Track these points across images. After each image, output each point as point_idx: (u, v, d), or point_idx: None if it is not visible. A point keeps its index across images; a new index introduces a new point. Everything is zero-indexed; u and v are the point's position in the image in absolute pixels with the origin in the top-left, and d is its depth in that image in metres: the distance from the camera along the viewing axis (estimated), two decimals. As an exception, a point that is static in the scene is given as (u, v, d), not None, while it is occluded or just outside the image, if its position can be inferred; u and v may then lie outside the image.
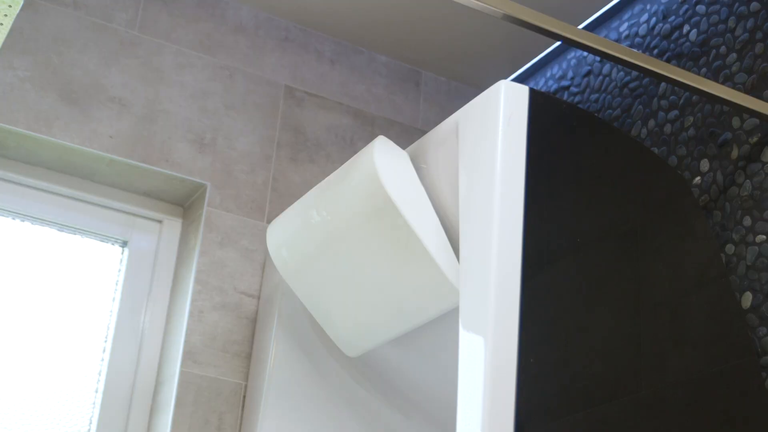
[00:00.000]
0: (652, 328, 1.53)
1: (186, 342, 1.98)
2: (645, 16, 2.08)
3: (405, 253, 1.58)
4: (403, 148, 1.68)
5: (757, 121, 1.72)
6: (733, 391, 1.54)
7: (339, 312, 1.80)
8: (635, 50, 1.68)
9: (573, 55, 2.28)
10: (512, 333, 1.36)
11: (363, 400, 1.97)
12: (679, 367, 1.52)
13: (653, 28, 2.04)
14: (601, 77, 2.16)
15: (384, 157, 1.57)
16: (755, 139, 1.72)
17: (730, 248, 1.69)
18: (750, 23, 1.80)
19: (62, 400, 1.97)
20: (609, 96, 2.11)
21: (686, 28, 1.95)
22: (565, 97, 2.25)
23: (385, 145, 1.60)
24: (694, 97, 1.87)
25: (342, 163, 2.27)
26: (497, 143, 1.45)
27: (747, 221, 1.68)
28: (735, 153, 1.75)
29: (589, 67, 2.21)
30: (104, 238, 2.12)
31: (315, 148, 2.25)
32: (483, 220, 1.42)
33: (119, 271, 2.11)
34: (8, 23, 1.46)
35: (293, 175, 2.20)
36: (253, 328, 2.05)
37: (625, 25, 2.13)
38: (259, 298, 2.07)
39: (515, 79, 2.41)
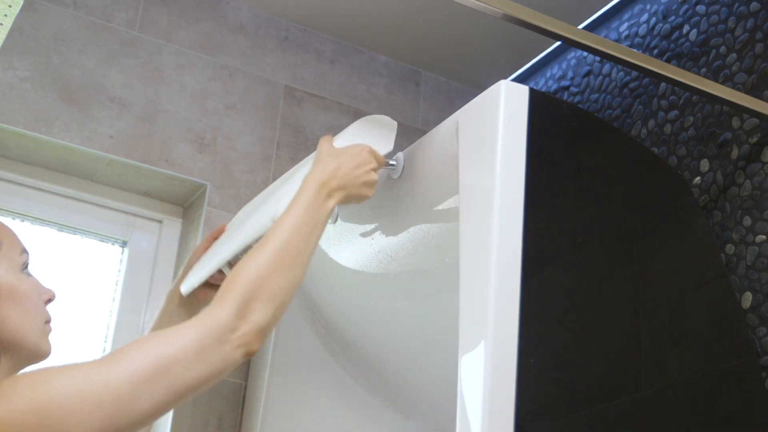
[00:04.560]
0: (652, 328, 1.53)
1: (186, 342, 1.98)
2: (645, 16, 2.08)
3: None
4: (403, 148, 1.68)
5: (757, 121, 1.72)
6: (733, 391, 1.54)
7: None
8: (635, 50, 1.68)
9: (573, 55, 2.28)
10: (512, 333, 1.36)
11: (363, 400, 1.97)
12: (679, 367, 1.52)
13: (653, 28, 2.04)
14: (601, 77, 2.16)
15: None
16: (755, 139, 1.72)
17: (730, 248, 1.69)
18: (750, 23, 1.80)
19: (62, 400, 1.97)
20: (609, 96, 2.11)
21: (686, 28, 1.95)
22: (565, 97, 2.25)
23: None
24: (694, 97, 1.87)
25: (342, 163, 2.26)
26: (497, 143, 1.45)
27: (747, 221, 1.68)
28: (735, 153, 1.75)
29: (589, 67, 2.21)
30: (104, 238, 2.12)
31: (315, 148, 2.25)
32: (483, 220, 1.42)
33: (119, 271, 2.11)
34: (8, 23, 1.46)
35: (293, 175, 2.20)
36: (253, 328, 2.04)
37: (625, 25, 2.13)
38: (259, 298, 2.06)
39: (515, 79, 2.41)
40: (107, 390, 1.06)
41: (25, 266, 1.24)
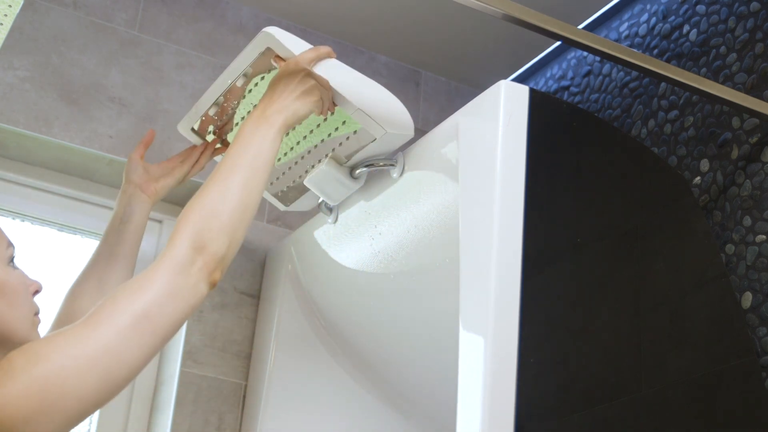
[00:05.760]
0: (652, 328, 1.53)
1: (186, 342, 1.98)
2: (645, 16, 2.08)
3: None
4: (403, 148, 1.68)
5: (757, 121, 1.72)
6: (733, 391, 1.54)
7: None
8: (635, 50, 1.68)
9: (573, 55, 2.28)
10: (512, 333, 1.36)
11: (363, 400, 1.97)
12: (679, 367, 1.52)
13: (653, 28, 2.04)
14: (601, 77, 2.16)
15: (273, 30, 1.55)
16: (755, 139, 1.72)
17: (730, 248, 1.69)
18: (750, 23, 1.80)
19: (62, 400, 1.97)
20: (609, 96, 2.11)
21: (686, 28, 1.95)
22: (565, 97, 2.25)
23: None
24: (694, 97, 1.87)
25: (342, 163, 2.26)
26: (497, 143, 1.45)
27: (747, 221, 1.68)
28: (735, 153, 1.75)
29: (589, 67, 2.21)
30: (104, 238, 2.12)
31: (315, 148, 2.25)
32: (483, 220, 1.42)
33: (119, 271, 2.11)
34: (8, 23, 1.46)
35: (293, 175, 2.20)
36: (253, 328, 2.05)
37: (625, 25, 2.13)
38: (259, 298, 2.07)
39: (515, 79, 2.41)
40: (97, 347, 1.10)
41: (11, 259, 1.25)
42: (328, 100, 1.47)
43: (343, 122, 1.61)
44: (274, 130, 1.35)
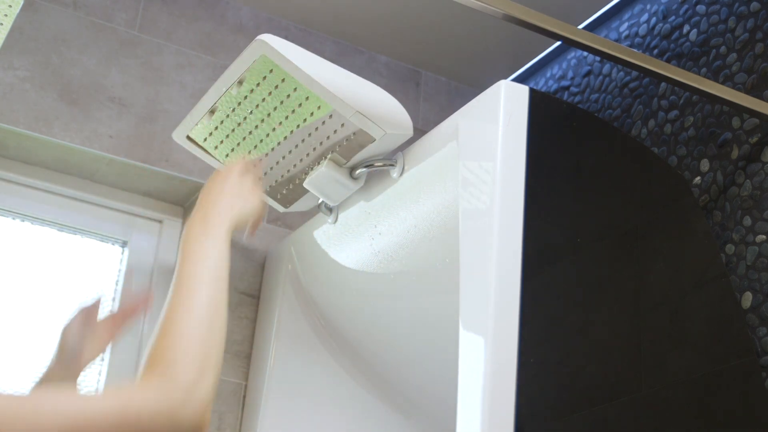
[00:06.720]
0: (652, 328, 1.53)
1: (186, 342, 1.98)
2: (645, 16, 2.08)
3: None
4: (403, 148, 1.68)
5: (757, 121, 1.72)
6: (733, 391, 1.54)
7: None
8: (635, 50, 1.68)
9: (573, 55, 2.28)
10: (512, 333, 1.36)
11: (363, 400, 1.97)
12: (679, 367, 1.52)
13: (653, 28, 2.04)
14: (601, 77, 2.16)
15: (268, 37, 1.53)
16: (755, 139, 1.72)
17: (730, 248, 1.69)
18: (750, 23, 1.80)
19: (62, 400, 1.97)
20: (609, 96, 2.11)
21: (686, 28, 1.95)
22: (565, 97, 2.25)
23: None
24: (694, 97, 1.87)
25: (342, 163, 2.26)
26: (497, 143, 1.45)
27: (747, 221, 1.68)
28: (735, 153, 1.75)
29: (589, 67, 2.21)
30: (104, 238, 2.12)
31: (315, 148, 2.25)
32: (483, 220, 1.42)
33: (119, 271, 2.11)
34: (8, 23, 1.46)
35: (293, 175, 2.20)
36: (253, 328, 2.05)
37: (625, 25, 2.13)
38: (259, 298, 2.07)
39: (515, 79, 2.41)
40: None
41: None
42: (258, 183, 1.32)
43: (342, 125, 1.61)
44: (222, 235, 1.18)
